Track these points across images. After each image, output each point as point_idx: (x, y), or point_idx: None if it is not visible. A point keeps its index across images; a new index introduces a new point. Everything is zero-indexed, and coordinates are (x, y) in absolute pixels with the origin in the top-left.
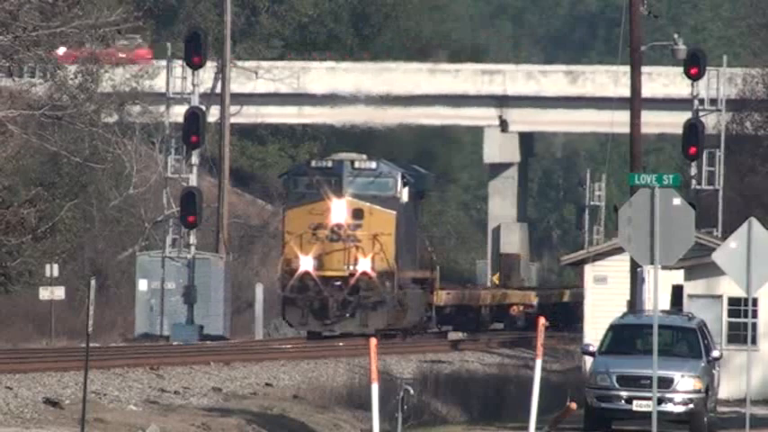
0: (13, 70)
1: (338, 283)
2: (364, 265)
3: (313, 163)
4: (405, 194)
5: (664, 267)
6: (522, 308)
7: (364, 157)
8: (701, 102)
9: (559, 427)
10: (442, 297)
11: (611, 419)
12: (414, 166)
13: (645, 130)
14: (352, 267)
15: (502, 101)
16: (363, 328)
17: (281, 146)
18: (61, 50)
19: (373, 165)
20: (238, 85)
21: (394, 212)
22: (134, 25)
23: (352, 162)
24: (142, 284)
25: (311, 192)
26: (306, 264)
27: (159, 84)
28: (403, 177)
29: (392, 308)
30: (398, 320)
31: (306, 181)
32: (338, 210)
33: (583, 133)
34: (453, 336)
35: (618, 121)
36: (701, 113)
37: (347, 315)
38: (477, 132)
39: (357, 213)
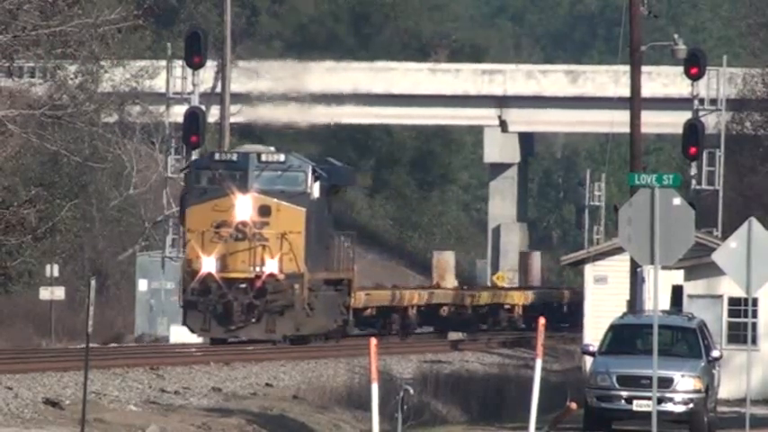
0: (13, 70)
1: (243, 285)
2: (271, 266)
3: (216, 156)
4: (316, 189)
5: (664, 267)
6: (453, 309)
7: (272, 149)
8: (701, 102)
9: (559, 427)
10: (360, 299)
11: (611, 419)
12: (329, 159)
13: (645, 130)
14: (258, 268)
15: (502, 101)
16: (270, 334)
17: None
18: None
19: (282, 158)
20: (239, 84)
21: (304, 209)
22: (134, 24)
23: (259, 155)
24: (142, 284)
25: (214, 187)
26: (208, 265)
27: (159, 84)
28: (314, 171)
29: (301, 312)
30: (309, 325)
31: (209, 175)
32: (243, 206)
33: (583, 133)
34: (453, 336)
35: (618, 121)
36: (700, 113)
37: (252, 320)
38: (477, 132)
39: (264, 210)
